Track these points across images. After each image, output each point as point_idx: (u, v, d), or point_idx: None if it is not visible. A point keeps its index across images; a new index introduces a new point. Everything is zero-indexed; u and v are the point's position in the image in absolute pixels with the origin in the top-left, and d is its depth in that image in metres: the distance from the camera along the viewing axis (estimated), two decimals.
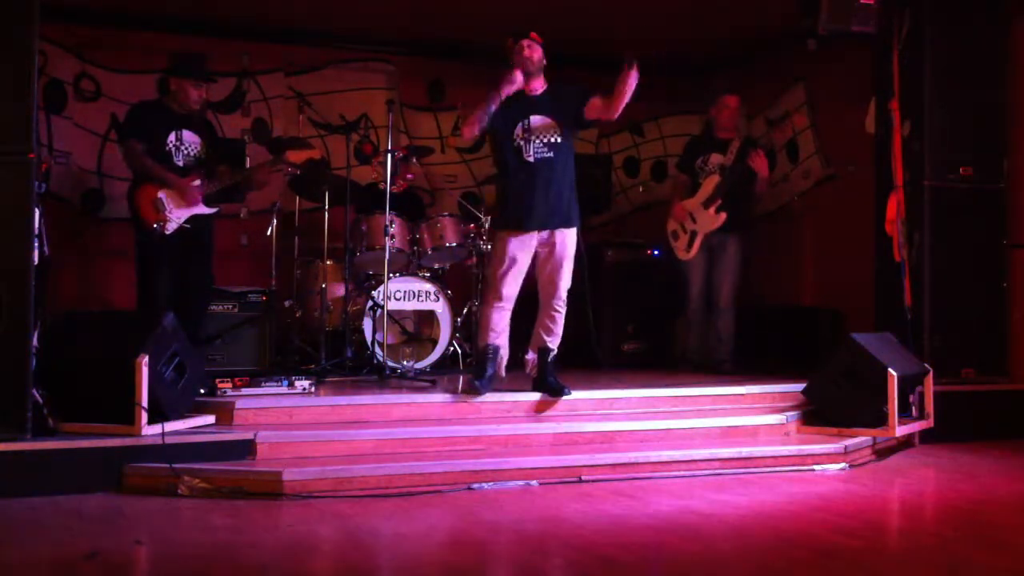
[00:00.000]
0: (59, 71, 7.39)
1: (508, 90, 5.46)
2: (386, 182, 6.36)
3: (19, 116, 4.52)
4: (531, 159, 5.51)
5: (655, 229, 7.67)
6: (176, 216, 5.84)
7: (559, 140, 5.53)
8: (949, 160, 6.33)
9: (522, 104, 5.54)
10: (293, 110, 7.59)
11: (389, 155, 6.39)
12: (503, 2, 6.98)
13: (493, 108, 5.46)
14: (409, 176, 6.91)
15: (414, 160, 7.06)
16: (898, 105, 6.30)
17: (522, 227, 5.52)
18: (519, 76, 5.47)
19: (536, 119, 5.53)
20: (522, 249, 5.54)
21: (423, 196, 8.08)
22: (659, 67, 8.78)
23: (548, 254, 5.57)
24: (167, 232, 5.81)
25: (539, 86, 5.60)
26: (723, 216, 7.01)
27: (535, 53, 5.54)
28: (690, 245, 7.16)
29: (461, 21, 7.60)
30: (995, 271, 6.48)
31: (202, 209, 5.93)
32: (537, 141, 5.51)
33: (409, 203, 7.25)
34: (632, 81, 5.38)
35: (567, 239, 5.58)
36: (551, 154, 5.52)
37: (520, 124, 5.53)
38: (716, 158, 7.18)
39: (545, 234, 5.55)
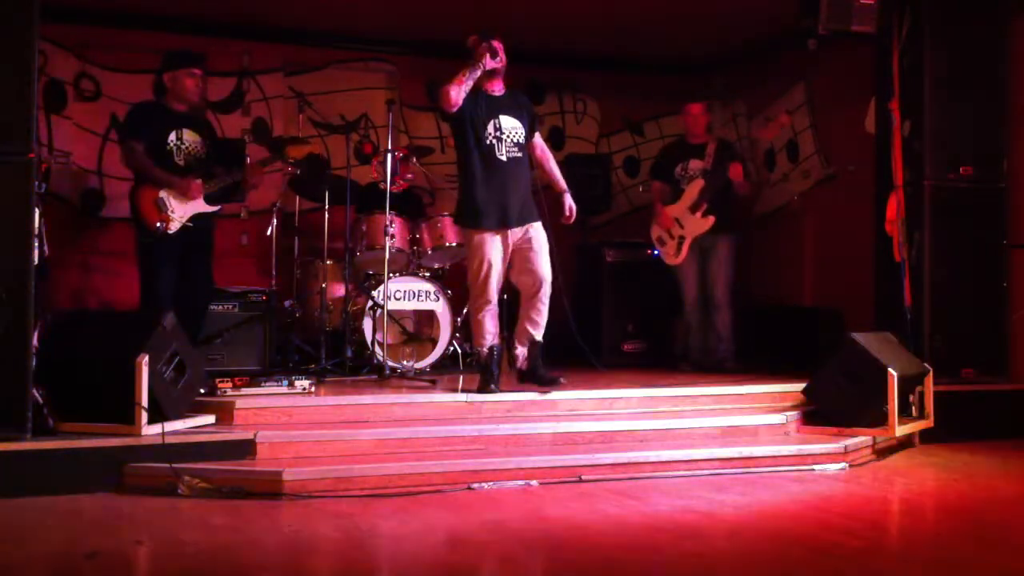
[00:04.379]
0: (59, 71, 7.40)
1: (490, 63, 5.51)
2: (386, 182, 6.36)
3: (19, 116, 4.52)
4: (503, 158, 5.57)
5: None
6: (178, 215, 5.84)
7: (524, 141, 5.66)
8: (949, 160, 6.33)
9: (489, 104, 5.61)
10: (293, 110, 7.58)
11: (389, 155, 6.39)
12: (503, 3, 6.98)
13: (478, 74, 5.51)
14: (409, 176, 6.91)
15: (414, 160, 7.07)
16: (898, 105, 6.30)
17: (496, 225, 5.57)
18: (490, 61, 5.52)
19: (506, 119, 5.61)
20: (499, 248, 5.59)
21: (423, 196, 8.08)
22: (658, 67, 8.86)
23: (527, 249, 5.62)
24: (170, 232, 5.81)
25: (499, 88, 5.68)
26: (711, 219, 7.05)
27: (502, 53, 5.60)
28: (679, 250, 7.18)
29: (461, 21, 7.59)
30: (995, 271, 6.48)
31: (204, 207, 5.92)
32: (508, 140, 5.59)
33: (409, 203, 7.25)
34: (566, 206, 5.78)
35: (540, 232, 5.66)
36: (520, 154, 5.63)
37: (492, 123, 5.58)
38: (696, 163, 7.21)
39: (520, 230, 5.61)
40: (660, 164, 7.55)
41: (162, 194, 5.82)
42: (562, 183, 5.87)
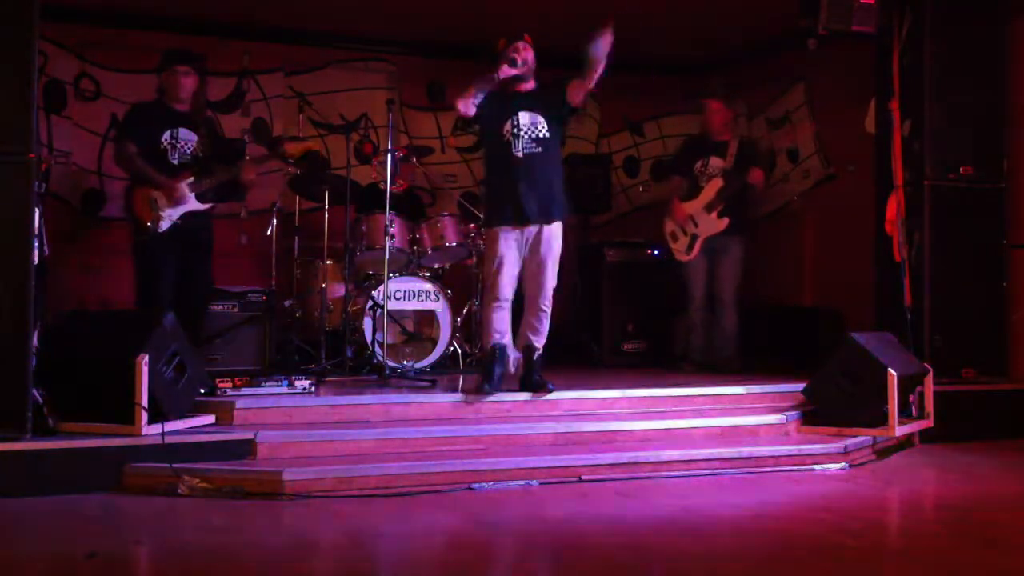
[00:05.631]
0: (59, 71, 7.40)
1: (506, 73, 5.48)
2: (386, 182, 6.37)
3: (19, 116, 4.52)
4: (520, 154, 5.54)
5: (655, 229, 7.66)
6: (168, 214, 5.83)
7: (547, 135, 5.59)
8: (949, 160, 6.33)
9: (511, 101, 5.59)
10: (293, 110, 7.58)
11: (389, 155, 6.39)
12: (503, 3, 6.98)
13: (488, 87, 5.48)
14: (409, 176, 6.91)
15: (414, 160, 7.07)
16: (898, 105, 6.30)
17: (510, 222, 5.54)
18: (507, 70, 5.49)
19: (524, 115, 5.58)
20: (511, 245, 5.56)
21: (423, 196, 8.08)
22: (658, 67, 8.86)
23: (534, 250, 5.58)
24: (160, 230, 5.80)
25: (529, 85, 5.66)
26: (726, 221, 7.02)
27: (528, 55, 5.59)
28: (690, 247, 7.15)
29: (461, 21, 7.60)
30: (995, 271, 6.48)
31: (194, 206, 5.91)
32: (526, 136, 5.56)
33: (409, 203, 7.25)
34: (605, 45, 5.36)
35: (552, 235, 5.59)
36: (539, 149, 5.57)
37: (510, 120, 5.56)
38: (716, 162, 7.17)
39: (532, 229, 5.56)
40: (680, 157, 7.51)
41: (155, 193, 5.82)
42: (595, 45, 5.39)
